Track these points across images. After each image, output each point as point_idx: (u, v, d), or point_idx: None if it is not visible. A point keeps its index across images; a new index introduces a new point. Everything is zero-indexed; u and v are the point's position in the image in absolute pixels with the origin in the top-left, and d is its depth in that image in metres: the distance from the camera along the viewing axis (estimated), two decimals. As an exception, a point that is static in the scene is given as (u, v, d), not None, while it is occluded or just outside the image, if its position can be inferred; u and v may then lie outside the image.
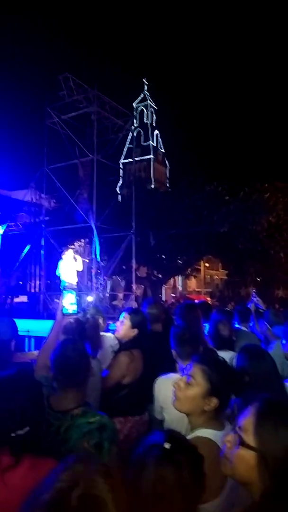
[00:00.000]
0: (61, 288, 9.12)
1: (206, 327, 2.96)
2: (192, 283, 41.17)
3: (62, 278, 9.07)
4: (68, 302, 2.28)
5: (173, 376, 2.38)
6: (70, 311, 2.28)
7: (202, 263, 28.75)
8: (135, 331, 2.75)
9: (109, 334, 3.19)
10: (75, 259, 9.24)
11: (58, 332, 2.25)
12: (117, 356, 2.70)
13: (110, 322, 4.85)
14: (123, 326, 2.78)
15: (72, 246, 10.12)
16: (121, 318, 2.82)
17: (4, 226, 15.15)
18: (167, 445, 1.03)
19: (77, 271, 9.30)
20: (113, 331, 2.99)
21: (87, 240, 18.43)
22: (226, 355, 2.42)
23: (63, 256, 9.23)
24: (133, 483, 0.98)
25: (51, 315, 12.48)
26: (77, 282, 9.24)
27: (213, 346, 2.86)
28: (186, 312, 3.18)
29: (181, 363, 2.40)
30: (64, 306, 2.25)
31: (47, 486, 0.73)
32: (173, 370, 2.44)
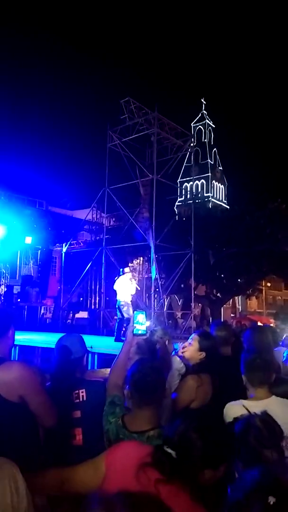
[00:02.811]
0: (117, 306, 9.19)
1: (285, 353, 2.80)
2: (253, 303, 39.69)
3: (117, 296, 9.15)
4: (138, 323, 2.27)
5: (243, 403, 2.26)
6: (140, 332, 2.26)
7: (264, 282, 27.59)
8: (202, 354, 2.66)
9: (175, 357, 3.14)
10: (131, 281, 9.32)
11: (128, 352, 2.24)
12: (184, 379, 2.64)
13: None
14: (190, 347, 2.71)
15: (131, 264, 10.16)
16: (189, 339, 2.76)
17: (67, 245, 15.85)
18: (271, 500, 0.91)
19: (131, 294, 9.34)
20: (176, 351, 2.93)
21: (145, 258, 18.60)
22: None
23: (122, 277, 9.28)
24: None
25: (110, 332, 12.69)
26: (131, 301, 9.28)
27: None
28: (256, 336, 3.04)
29: (251, 389, 2.28)
30: (135, 327, 2.24)
31: None
32: (244, 396, 2.31)
